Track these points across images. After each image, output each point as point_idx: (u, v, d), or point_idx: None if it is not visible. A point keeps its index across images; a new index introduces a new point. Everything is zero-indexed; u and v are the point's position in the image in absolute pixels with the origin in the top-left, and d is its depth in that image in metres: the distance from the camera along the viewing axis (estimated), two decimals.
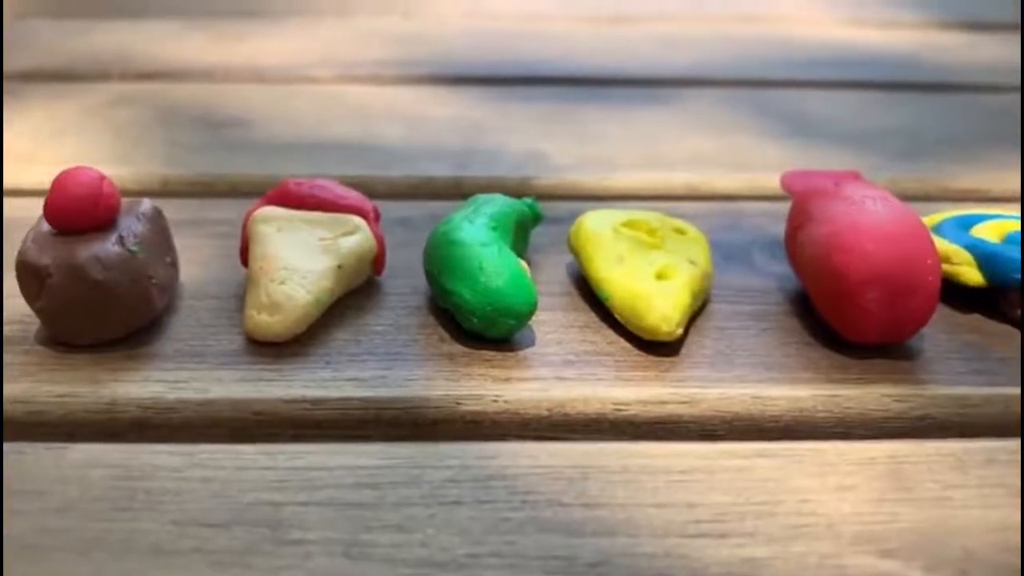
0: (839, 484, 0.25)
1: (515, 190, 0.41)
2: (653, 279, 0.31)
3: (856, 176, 0.35)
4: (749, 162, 0.44)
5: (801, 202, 0.32)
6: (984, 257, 0.32)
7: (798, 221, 0.32)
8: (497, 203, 0.33)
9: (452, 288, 0.30)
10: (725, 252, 0.36)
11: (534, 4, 0.71)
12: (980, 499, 0.25)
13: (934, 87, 0.56)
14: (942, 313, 0.33)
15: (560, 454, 0.26)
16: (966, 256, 0.32)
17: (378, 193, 0.41)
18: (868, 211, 0.30)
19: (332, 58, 0.57)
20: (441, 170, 0.42)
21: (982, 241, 0.33)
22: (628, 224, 0.33)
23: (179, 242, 0.34)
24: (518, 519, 0.24)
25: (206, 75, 0.53)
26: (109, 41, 0.58)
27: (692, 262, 0.32)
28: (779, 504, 0.24)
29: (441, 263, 0.30)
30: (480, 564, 0.22)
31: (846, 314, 0.30)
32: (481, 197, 0.34)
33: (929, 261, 0.29)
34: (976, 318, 0.32)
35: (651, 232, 0.33)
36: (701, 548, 0.23)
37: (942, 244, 0.33)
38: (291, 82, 0.53)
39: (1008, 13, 0.74)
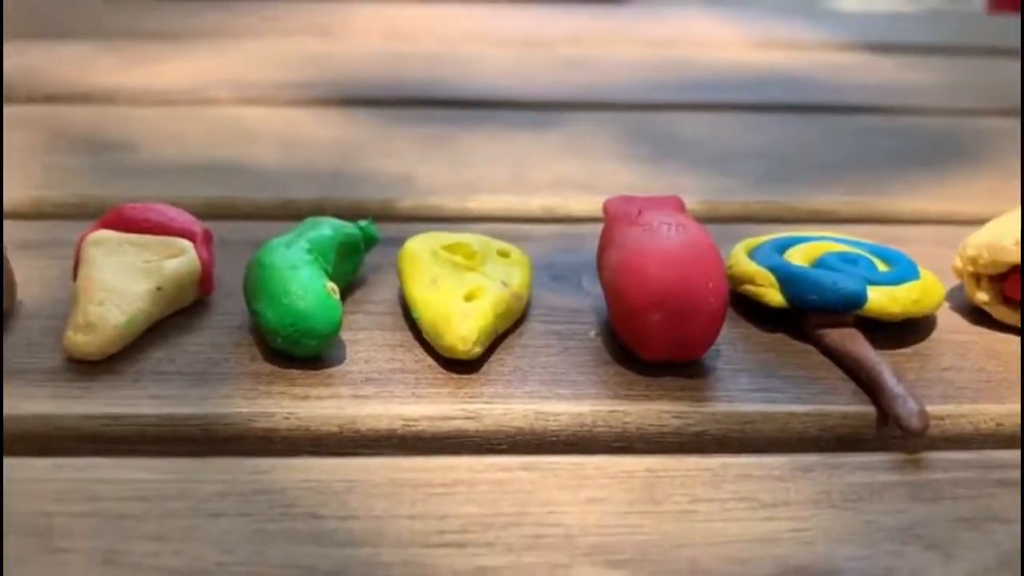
0: (590, 497, 0.26)
1: (377, 212, 0.42)
2: (461, 300, 0.32)
3: (674, 202, 0.36)
4: (607, 186, 0.45)
5: (607, 227, 0.34)
6: (785, 279, 0.33)
7: (603, 245, 0.33)
8: (323, 227, 0.34)
9: (258, 309, 0.31)
10: (555, 273, 0.37)
11: (454, 26, 0.73)
12: (723, 513, 0.26)
13: (819, 108, 0.57)
14: (746, 332, 0.34)
15: (332, 469, 0.27)
16: (770, 278, 0.34)
17: (242, 214, 0.43)
18: (659, 237, 0.32)
19: (235, 80, 0.58)
20: (308, 192, 0.44)
21: (786, 264, 0.34)
22: (449, 247, 0.35)
23: (31, 263, 0.36)
24: (272, 530, 0.25)
25: (108, 98, 0.55)
26: (21, 63, 0.60)
27: (505, 284, 0.33)
28: (526, 516, 0.25)
29: (251, 285, 0.32)
30: (226, 571, 0.24)
31: (634, 334, 0.31)
32: (310, 221, 0.35)
33: (711, 284, 0.30)
34: (779, 337, 0.34)
35: (470, 255, 0.34)
36: (439, 557, 0.24)
37: (749, 266, 0.35)
38: (191, 104, 0.54)
39: (917, 35, 0.76)
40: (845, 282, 0.33)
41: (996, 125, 0.56)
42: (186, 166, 0.46)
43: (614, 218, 0.34)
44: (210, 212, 0.42)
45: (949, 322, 0.35)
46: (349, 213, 0.41)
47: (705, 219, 0.43)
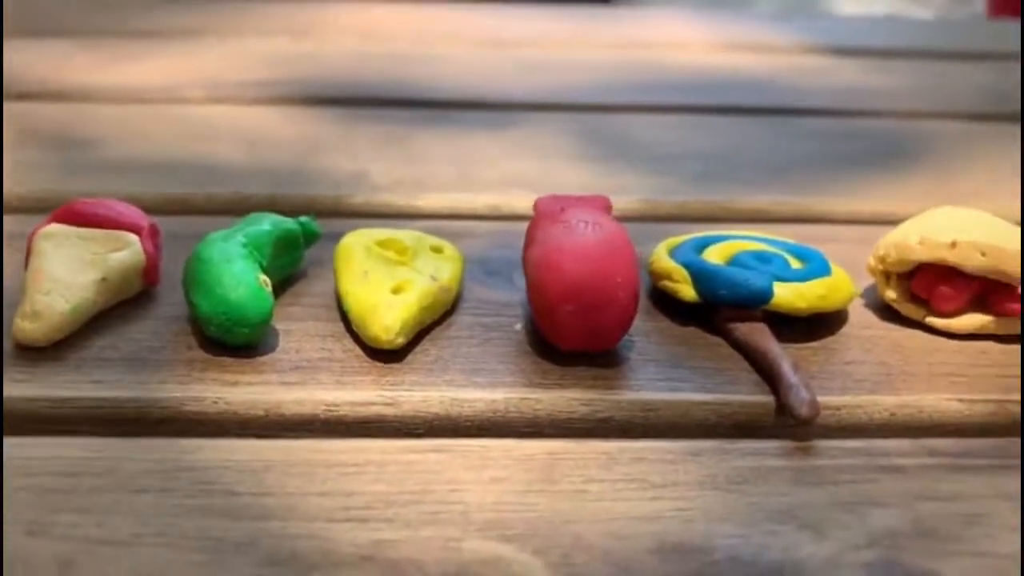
0: (492, 477, 0.28)
1: (328, 208, 0.44)
2: (388, 293, 0.34)
3: (600, 202, 0.37)
4: (553, 185, 0.47)
5: (532, 225, 0.36)
6: (698, 276, 0.35)
7: (527, 242, 0.35)
8: (263, 222, 0.36)
9: (194, 299, 0.33)
10: (490, 268, 0.39)
11: (428, 26, 0.74)
12: (613, 493, 0.28)
13: (774, 111, 0.59)
14: (661, 325, 0.36)
15: (253, 450, 0.29)
16: (684, 274, 0.35)
17: (197, 210, 0.44)
18: (576, 234, 0.33)
19: (208, 79, 0.60)
20: (262, 188, 0.46)
21: (700, 261, 0.36)
22: (382, 243, 0.36)
23: None
24: (190, 505, 0.27)
25: (82, 96, 0.57)
26: None
27: (433, 278, 0.35)
28: (428, 494, 0.27)
29: (188, 277, 0.34)
30: (142, 543, 0.25)
31: (551, 325, 0.33)
32: (251, 216, 0.37)
33: (619, 279, 0.32)
34: (692, 331, 0.35)
35: (402, 251, 0.36)
36: (342, 531, 0.26)
37: (667, 263, 0.36)
38: (161, 103, 0.56)
39: (885, 39, 0.77)
40: (753, 279, 0.34)
41: (945, 128, 0.58)
42: (149, 163, 0.48)
43: (539, 216, 0.36)
44: (166, 207, 0.44)
45: (860, 318, 0.37)
46: (301, 209, 0.43)
47: (643, 217, 0.45)
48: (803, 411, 0.30)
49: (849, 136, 0.56)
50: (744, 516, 0.27)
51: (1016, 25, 0.81)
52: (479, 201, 0.45)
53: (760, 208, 0.46)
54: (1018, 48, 0.76)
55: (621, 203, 0.46)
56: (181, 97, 0.57)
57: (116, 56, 0.64)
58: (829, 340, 0.35)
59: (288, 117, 0.55)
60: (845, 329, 0.36)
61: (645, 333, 0.35)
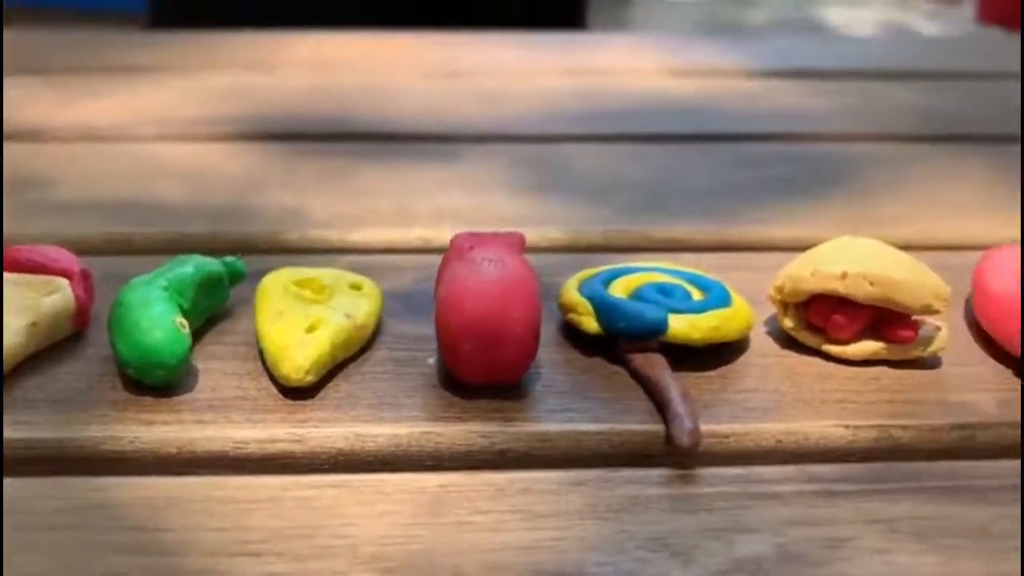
0: (383, 511, 0.30)
1: (265, 245, 0.46)
2: (302, 332, 0.35)
3: (513, 239, 0.39)
4: (486, 217, 0.48)
5: (443, 262, 0.37)
6: (600, 308, 0.37)
7: (437, 279, 0.37)
8: (186, 264, 0.38)
9: (115, 343, 0.35)
10: (411, 304, 0.41)
11: (384, 57, 0.76)
12: (497, 524, 0.29)
13: (713, 137, 0.61)
14: (568, 356, 0.37)
15: (161, 487, 0.31)
16: (588, 307, 0.37)
17: (137, 249, 0.46)
18: (478, 272, 0.35)
19: (161, 116, 0.62)
20: (202, 227, 0.47)
21: (603, 295, 0.37)
22: (300, 282, 0.38)
23: None
24: (97, 541, 0.28)
25: (38, 136, 0.59)
26: None
27: (348, 316, 0.36)
28: (322, 528, 0.29)
29: (111, 321, 0.35)
30: (45, 573, 0.27)
31: (452, 361, 0.34)
32: (177, 259, 0.38)
33: (518, 315, 0.34)
34: (596, 362, 0.37)
35: (319, 289, 0.38)
36: (235, 565, 0.27)
37: (573, 296, 0.38)
38: (115, 141, 0.58)
39: (824, 60, 0.79)
40: (648, 311, 0.36)
41: (875, 150, 0.59)
42: (96, 203, 0.50)
43: (450, 253, 0.37)
44: (108, 248, 0.46)
45: (761, 346, 0.38)
46: (238, 246, 0.45)
47: (568, 248, 0.47)
48: (684, 440, 0.31)
49: (780, 161, 0.57)
50: (616, 544, 0.28)
51: (955, 43, 0.82)
52: (411, 235, 0.47)
53: (681, 237, 0.48)
54: (955, 66, 0.77)
55: (549, 235, 0.48)
56: (133, 135, 0.59)
57: (79, 93, 0.65)
58: (727, 369, 0.37)
59: (234, 153, 0.57)
60: (744, 358, 0.37)
61: (552, 364, 0.37)
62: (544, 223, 0.49)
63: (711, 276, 0.40)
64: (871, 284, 0.36)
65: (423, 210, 0.50)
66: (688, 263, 0.42)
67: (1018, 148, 0.60)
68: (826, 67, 0.76)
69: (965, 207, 0.52)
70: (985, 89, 0.72)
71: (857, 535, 0.29)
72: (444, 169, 0.55)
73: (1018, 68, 0.76)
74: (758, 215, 0.50)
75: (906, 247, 0.46)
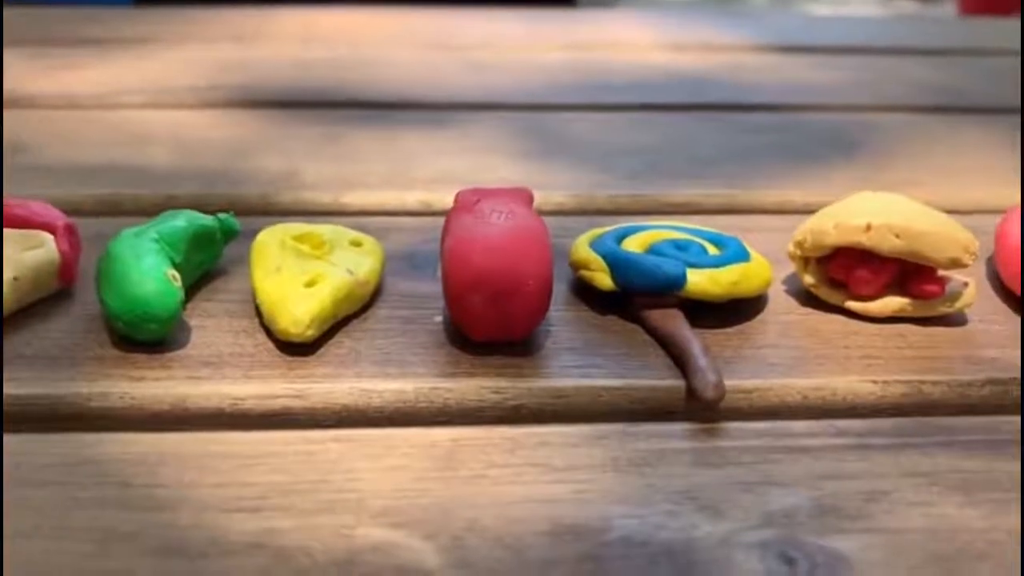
0: (392, 465, 0.28)
1: (255, 207, 0.44)
2: (300, 286, 0.34)
3: (522, 194, 0.37)
4: (487, 181, 0.46)
5: (449, 216, 0.35)
6: (614, 264, 0.35)
7: (443, 234, 0.35)
8: (177, 218, 0.36)
9: (103, 296, 0.33)
10: (415, 262, 0.39)
11: (374, 30, 0.74)
12: (513, 477, 0.27)
13: (713, 107, 0.59)
14: (580, 314, 0.36)
15: (152, 443, 0.29)
16: (601, 263, 0.35)
17: (124, 210, 0.44)
18: (487, 224, 0.33)
19: (149, 86, 0.59)
20: (190, 188, 0.45)
21: (616, 250, 0.36)
22: (299, 237, 0.36)
23: None
24: (85, 497, 0.26)
25: (21, 103, 0.56)
26: None
27: (350, 271, 0.35)
28: (326, 483, 0.27)
29: (99, 273, 0.33)
30: (40, 535, 0.25)
31: (461, 315, 0.33)
32: (168, 213, 0.36)
33: (529, 268, 0.32)
34: (610, 319, 0.35)
35: (318, 245, 0.36)
36: (233, 521, 0.26)
37: (585, 253, 0.36)
38: (98, 108, 0.56)
39: (828, 36, 0.77)
40: (666, 266, 0.34)
41: (883, 120, 0.58)
42: (80, 167, 0.48)
43: (455, 207, 0.36)
44: (96, 209, 0.44)
45: (780, 303, 0.37)
46: (230, 207, 0.43)
47: (575, 212, 0.45)
48: (708, 393, 0.30)
49: (787, 129, 0.56)
50: (642, 497, 0.27)
51: (954, 22, 0.82)
52: (409, 198, 0.45)
53: (690, 201, 0.46)
54: (956, 44, 0.76)
55: (555, 198, 0.46)
56: (118, 103, 0.57)
57: (59, 65, 0.63)
58: (746, 325, 0.35)
59: (224, 120, 0.55)
60: (763, 315, 0.36)
61: (564, 322, 0.35)
62: (547, 187, 0.47)
63: (727, 233, 0.38)
64: (897, 236, 0.34)
65: (421, 173, 0.48)
66: (696, 224, 0.41)
67: (1016, 119, 0.59)
68: (827, 43, 0.75)
69: (974, 172, 0.51)
70: (982, 65, 0.71)
71: (896, 488, 0.27)
72: (440, 135, 0.53)
73: (1009, 47, 0.75)
74: (768, 179, 0.49)
75: None
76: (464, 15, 0.81)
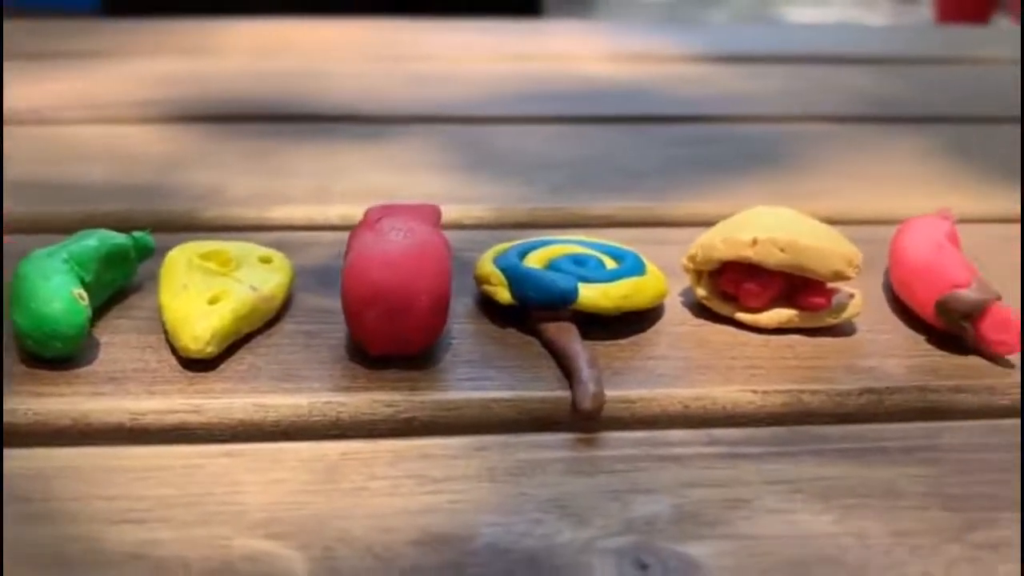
0: (275, 479, 0.29)
1: (181, 222, 0.45)
2: (204, 303, 0.35)
3: (428, 210, 0.38)
4: (410, 195, 0.48)
5: (352, 233, 0.37)
6: (512, 279, 0.36)
7: (346, 250, 0.36)
8: (89, 238, 0.37)
9: (13, 315, 0.34)
10: (326, 278, 0.40)
11: (322, 42, 0.75)
12: (391, 489, 0.29)
13: (645, 119, 0.60)
14: (481, 327, 0.37)
15: (50, 458, 0.30)
16: (501, 278, 0.37)
17: (51, 227, 0.45)
18: (385, 241, 0.34)
19: (89, 100, 0.61)
20: (116, 205, 0.46)
21: (515, 265, 0.37)
22: (206, 255, 0.37)
23: None
24: None
25: None
26: None
27: (254, 288, 0.36)
28: (209, 496, 0.28)
29: (10, 293, 0.34)
30: None
31: (357, 330, 0.34)
32: (82, 233, 0.38)
33: (423, 284, 0.33)
34: (509, 332, 0.36)
35: (224, 262, 0.37)
36: (116, 533, 0.27)
37: (487, 268, 0.37)
38: (38, 124, 0.57)
39: (766, 45, 0.79)
40: (560, 281, 0.35)
41: (808, 130, 0.59)
42: (12, 183, 0.49)
43: (359, 225, 0.37)
44: (22, 227, 0.45)
45: (675, 315, 0.38)
46: (154, 224, 0.44)
47: (496, 226, 0.47)
48: (586, 404, 0.31)
49: (713, 141, 0.57)
50: (512, 506, 0.28)
51: (896, 30, 0.83)
52: (331, 212, 0.46)
53: (608, 214, 0.47)
54: (897, 51, 0.78)
55: (475, 212, 0.47)
56: (57, 119, 0.58)
57: (7, 79, 0.64)
58: (640, 337, 0.36)
59: (161, 135, 0.56)
60: (657, 326, 0.37)
61: (466, 335, 0.36)
62: (470, 201, 0.48)
63: (627, 247, 0.39)
64: (781, 250, 0.36)
65: (345, 188, 0.49)
66: (611, 238, 0.42)
67: (946, 128, 0.61)
68: (772, 52, 0.77)
69: (890, 182, 0.52)
70: (930, 74, 0.73)
71: (757, 496, 0.29)
72: (371, 149, 0.55)
73: (949, 55, 0.77)
74: (684, 192, 0.50)
75: (828, 220, 0.46)
76: (415, 27, 0.82)
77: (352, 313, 0.34)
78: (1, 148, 0.52)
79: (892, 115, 0.63)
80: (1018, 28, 0.95)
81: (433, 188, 0.50)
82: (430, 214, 0.38)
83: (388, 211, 0.38)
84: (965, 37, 0.88)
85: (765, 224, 0.37)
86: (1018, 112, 0.64)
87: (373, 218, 0.37)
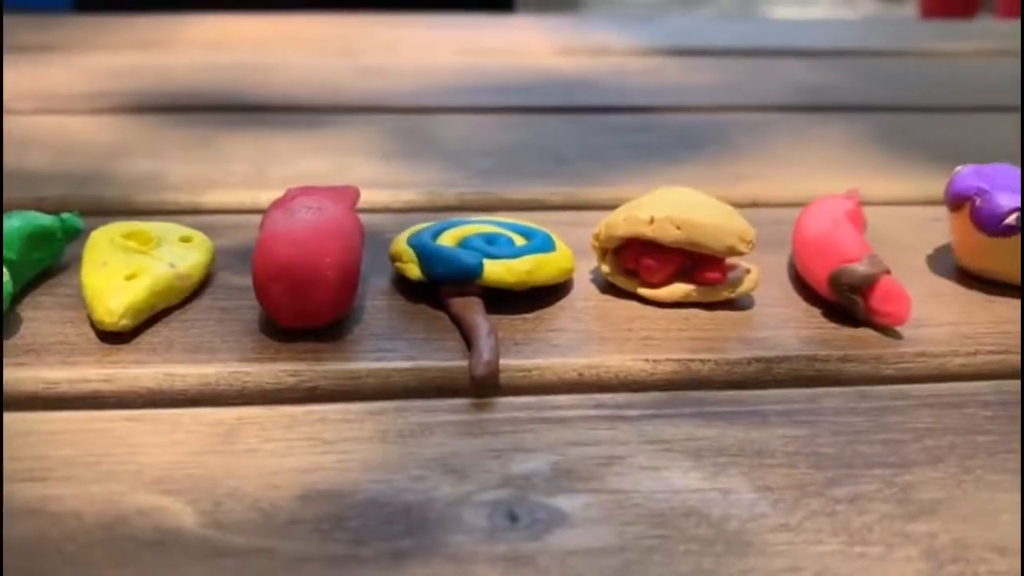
0: (175, 440, 0.30)
1: (116, 207, 0.47)
2: (121, 279, 0.36)
3: (347, 192, 0.40)
4: (343, 180, 0.49)
5: (266, 213, 0.38)
6: (421, 256, 0.38)
7: (260, 227, 0.38)
8: (13, 218, 0.38)
9: None
10: (245, 257, 0.41)
11: (281, 35, 0.77)
12: (285, 451, 0.30)
13: (583, 109, 0.62)
14: (394, 303, 0.38)
15: None
16: (412, 256, 0.38)
17: None
18: (294, 219, 0.36)
19: (41, 92, 0.62)
20: (55, 191, 0.48)
21: (425, 243, 0.38)
22: (128, 235, 0.39)
23: None
24: None
25: None
26: None
27: (172, 265, 0.37)
28: (110, 456, 0.30)
29: None
30: None
31: (266, 304, 0.35)
32: (7, 214, 0.39)
33: (328, 260, 0.34)
34: (420, 307, 0.38)
35: (145, 241, 0.38)
36: (19, 490, 0.28)
37: (400, 246, 0.39)
38: None
39: (719, 39, 0.80)
40: (465, 256, 0.37)
41: (742, 119, 0.61)
42: None
43: (273, 204, 0.38)
44: None
45: (582, 291, 0.39)
46: (92, 209, 0.46)
47: (425, 209, 0.48)
48: (479, 371, 0.32)
49: (648, 130, 0.59)
50: (396, 464, 0.29)
51: (836, 25, 0.85)
52: (263, 197, 0.48)
53: (534, 198, 0.49)
54: (835, 44, 0.79)
55: (404, 196, 0.49)
56: (8, 108, 0.59)
57: None
58: (544, 311, 0.38)
59: (106, 125, 0.57)
60: (564, 301, 0.39)
61: (378, 310, 0.38)
62: (402, 186, 0.50)
63: (544, 228, 0.41)
64: (677, 228, 0.37)
65: (280, 174, 0.50)
66: (534, 220, 0.43)
67: (880, 116, 0.62)
68: (718, 45, 0.78)
69: (815, 167, 0.53)
70: (873, 65, 0.74)
71: (631, 454, 0.30)
72: (311, 137, 0.56)
73: (894, 47, 0.78)
74: (611, 177, 0.51)
75: (750, 203, 0.48)
76: (373, 21, 0.84)
77: (260, 288, 0.35)
78: (1, 137, 0.53)
79: (827, 104, 0.65)
80: (966, 23, 0.97)
81: (368, 174, 0.51)
82: (347, 195, 0.40)
83: (305, 192, 0.39)
84: (912, 30, 0.90)
85: (664, 203, 0.38)
86: (959, 101, 0.65)
87: (287, 198, 0.38)
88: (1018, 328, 0.38)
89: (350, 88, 0.65)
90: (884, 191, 0.51)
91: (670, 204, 0.38)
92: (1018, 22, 0.87)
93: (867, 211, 0.47)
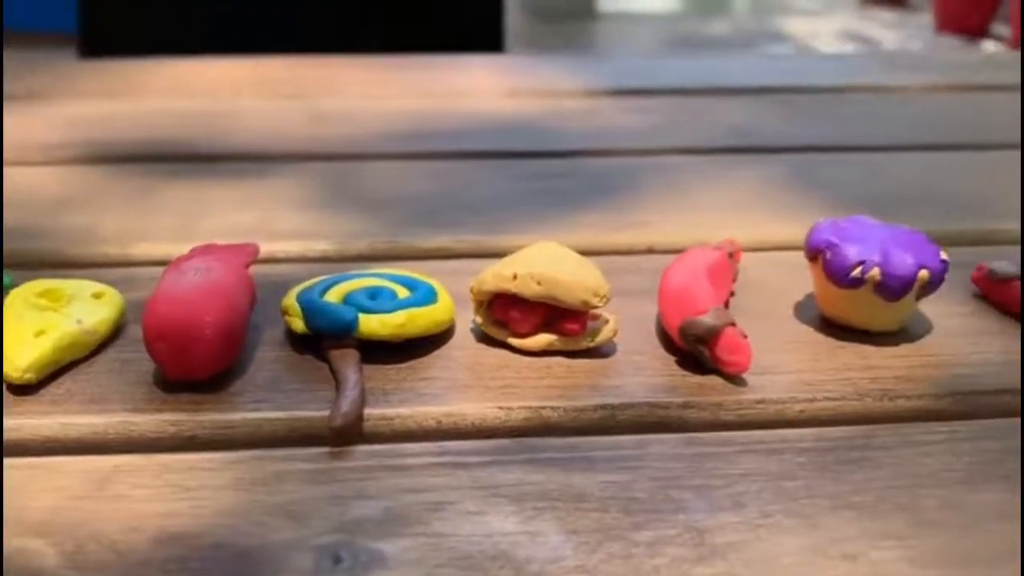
0: (59, 486, 0.34)
1: (51, 260, 0.50)
2: (30, 336, 0.40)
3: (243, 248, 0.44)
4: (268, 232, 0.53)
5: (164, 271, 0.42)
6: (305, 311, 0.41)
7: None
8: None
9: None
10: None
11: (237, 82, 0.80)
12: (151, 497, 0.33)
13: (509, 154, 0.65)
14: (282, 355, 0.41)
15: None
16: (298, 310, 0.41)
17: None
18: (183, 280, 0.39)
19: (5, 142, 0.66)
20: None
21: (310, 299, 0.42)
22: (41, 293, 0.42)
23: None
24: None
25: None
26: None
27: (79, 322, 0.41)
28: (7, 500, 0.33)
29: None
30: None
31: (153, 358, 0.39)
32: None
33: (208, 319, 0.38)
34: (306, 358, 0.41)
35: (56, 298, 0.42)
36: None
37: (289, 302, 0.42)
38: None
39: (666, 79, 0.83)
40: (341, 312, 0.40)
41: (667, 162, 0.64)
42: None
43: (169, 265, 0.42)
44: None
45: (461, 340, 0.43)
46: (25, 262, 0.49)
47: (336, 259, 0.51)
48: (336, 422, 0.36)
49: (567, 175, 0.62)
50: (245, 510, 0.33)
51: (789, 60, 0.87)
52: (187, 249, 0.51)
53: (441, 246, 0.52)
54: (780, 81, 0.82)
55: (318, 247, 0.52)
56: None
57: None
58: (419, 361, 0.41)
59: (58, 177, 0.61)
60: (441, 351, 0.42)
61: (263, 362, 0.41)
62: (319, 237, 0.53)
63: (427, 279, 0.44)
64: (537, 283, 0.40)
65: (207, 227, 0.54)
66: (436, 270, 0.46)
67: (795, 157, 0.65)
68: (663, 85, 0.81)
69: (720, 212, 0.56)
70: (808, 102, 0.77)
71: (460, 499, 0.33)
72: (244, 187, 0.60)
73: (833, 84, 0.81)
74: (522, 225, 0.54)
75: (647, 251, 0.51)
76: (333, 64, 0.87)
77: (146, 344, 0.38)
78: (1, 159, 0.56)
79: (750, 145, 0.67)
80: (927, 55, 0.99)
81: (289, 225, 0.55)
82: (243, 253, 0.43)
83: (205, 250, 0.43)
84: (868, 65, 0.92)
85: (528, 260, 0.41)
86: (878, 141, 0.68)
87: (184, 258, 0.42)
88: (860, 375, 0.41)
89: (295, 135, 0.69)
90: (772, 235, 0.53)
91: (533, 260, 0.41)
92: (980, 54, 0.89)
93: (751, 256, 0.50)
